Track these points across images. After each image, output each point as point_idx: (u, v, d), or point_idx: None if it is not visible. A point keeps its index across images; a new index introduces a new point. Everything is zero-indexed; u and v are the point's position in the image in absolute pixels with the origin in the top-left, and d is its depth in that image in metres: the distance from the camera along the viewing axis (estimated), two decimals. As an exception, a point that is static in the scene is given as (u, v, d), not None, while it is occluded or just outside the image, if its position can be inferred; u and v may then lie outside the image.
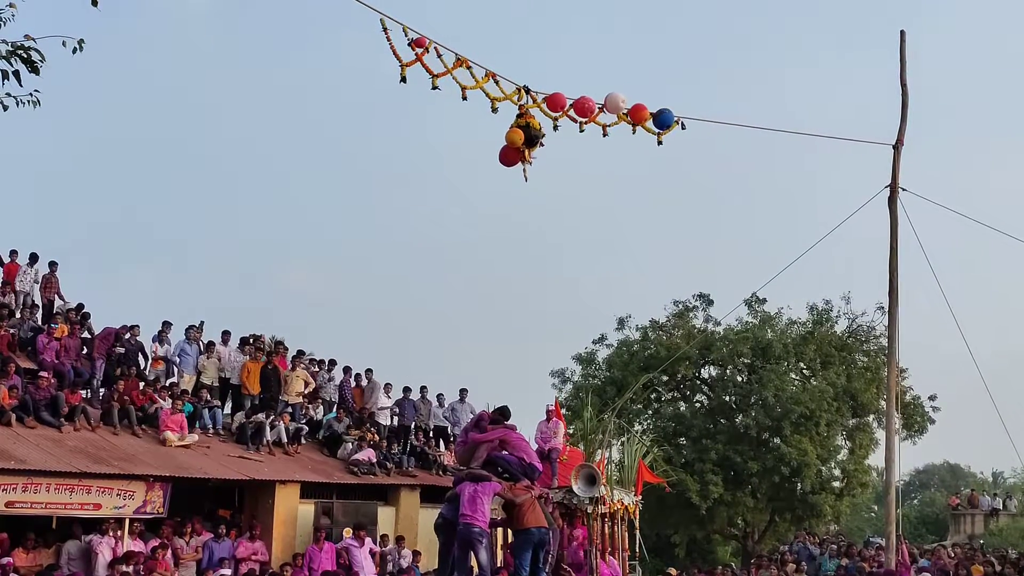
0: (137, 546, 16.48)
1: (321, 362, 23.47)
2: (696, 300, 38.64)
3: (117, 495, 16.56)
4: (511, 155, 13.15)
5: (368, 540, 18.88)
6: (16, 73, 7.92)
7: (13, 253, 21.77)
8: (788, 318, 38.07)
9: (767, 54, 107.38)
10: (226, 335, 21.88)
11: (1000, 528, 44.35)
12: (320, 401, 22.80)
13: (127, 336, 20.92)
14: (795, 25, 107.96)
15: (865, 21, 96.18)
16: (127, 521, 16.68)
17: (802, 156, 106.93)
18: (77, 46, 8.18)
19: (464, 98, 12.73)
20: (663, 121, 14.53)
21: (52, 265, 21.98)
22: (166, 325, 21.43)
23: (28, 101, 8.19)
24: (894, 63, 19.48)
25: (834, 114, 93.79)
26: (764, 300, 37.26)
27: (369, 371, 23.99)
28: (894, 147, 19.20)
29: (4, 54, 7.89)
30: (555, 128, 13.65)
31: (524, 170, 13.11)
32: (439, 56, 12.49)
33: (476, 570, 13.45)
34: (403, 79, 12.19)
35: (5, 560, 15.00)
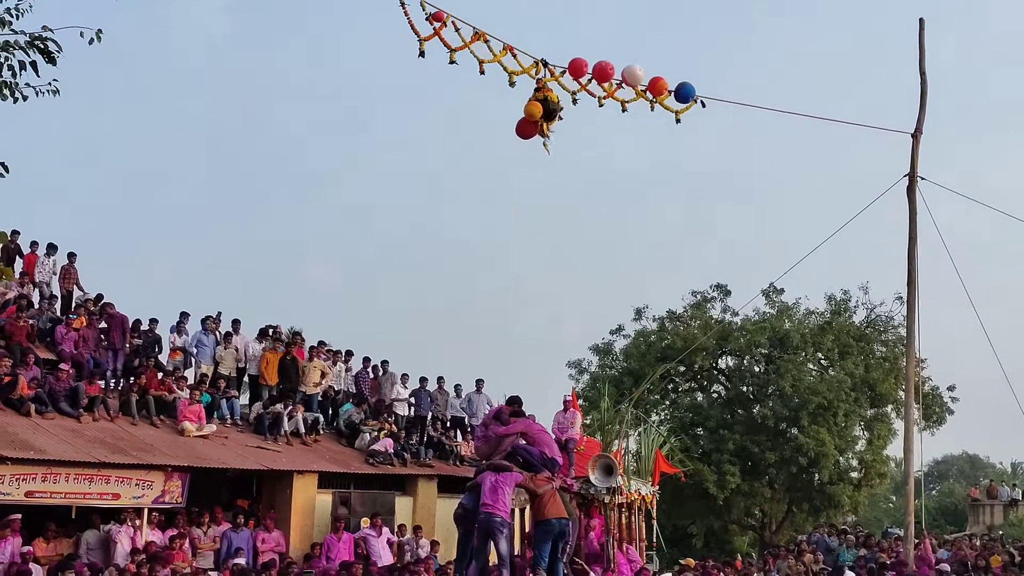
0: (156, 536, 16.55)
1: (338, 353, 23.49)
2: (714, 291, 38.60)
3: (136, 485, 16.61)
4: (527, 128, 13.12)
5: (385, 530, 18.91)
6: (34, 64, 7.96)
7: (33, 244, 21.85)
8: (806, 308, 38.03)
9: (786, 39, 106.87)
10: (236, 324, 21.90)
11: (1020, 519, 44.13)
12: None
13: (145, 328, 21.03)
14: (814, 10, 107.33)
15: (884, 7, 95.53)
16: (146, 511, 16.76)
17: (821, 144, 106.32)
18: (95, 37, 8.21)
19: (482, 72, 12.71)
20: (684, 94, 14.47)
21: (71, 256, 22.06)
22: (184, 316, 21.48)
23: (47, 91, 8.23)
24: (914, 51, 19.36)
25: (853, 102, 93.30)
26: (782, 291, 37.22)
27: (385, 362, 24.01)
28: (913, 135, 19.08)
29: (23, 45, 7.92)
30: (574, 102, 13.61)
31: (545, 144, 13.08)
32: (457, 30, 12.47)
33: (496, 560, 13.44)
34: (422, 53, 12.17)
35: (26, 549, 15.08)
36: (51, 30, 8.02)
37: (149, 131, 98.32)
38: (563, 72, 13.50)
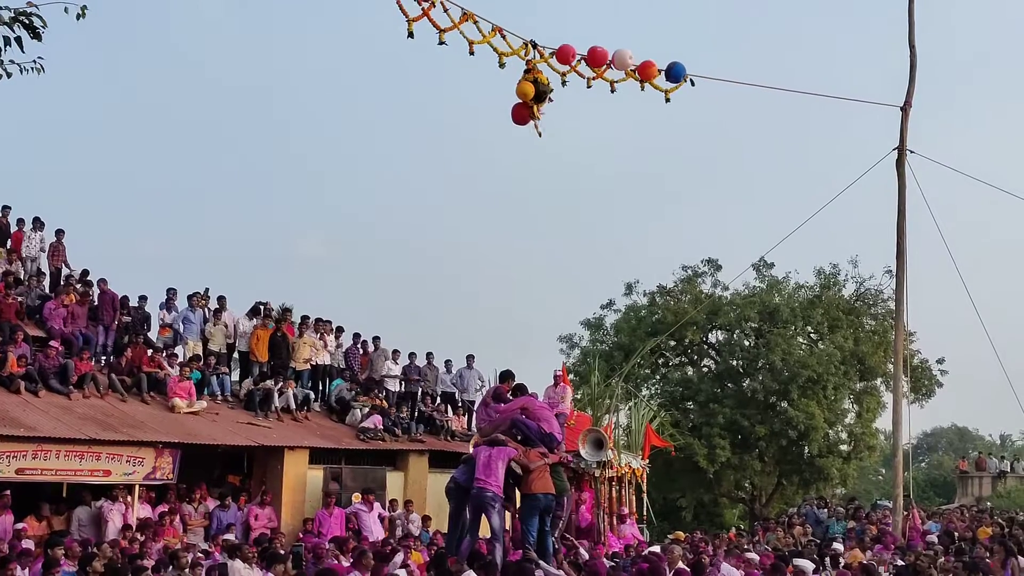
0: (147, 512, 16.58)
1: (327, 324, 23.43)
2: (704, 265, 38.62)
3: (127, 461, 16.61)
4: (523, 113, 13.11)
5: (377, 505, 18.95)
6: (18, 39, 7.89)
7: (20, 221, 21.70)
8: (796, 282, 38.08)
9: (777, 13, 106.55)
10: (222, 300, 21.85)
11: (1008, 490, 44.50)
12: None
13: (134, 305, 20.99)
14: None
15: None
16: (137, 487, 16.77)
17: (810, 118, 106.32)
18: (80, 12, 8.13)
19: (471, 53, 12.68)
20: (675, 73, 14.49)
21: (59, 233, 21.87)
22: (172, 292, 21.42)
23: (32, 68, 8.17)
24: (903, 24, 19.36)
25: (842, 76, 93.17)
26: (772, 264, 37.25)
27: (377, 338, 24.00)
28: (902, 109, 19.11)
29: (7, 20, 7.85)
30: (563, 84, 13.60)
31: (536, 126, 13.07)
32: (445, 11, 12.43)
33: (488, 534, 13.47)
34: (410, 34, 12.12)
35: (20, 525, 15.10)
36: (36, 5, 7.95)
37: (134, 109, 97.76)
38: (552, 54, 13.49)
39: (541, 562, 12.26)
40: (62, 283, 21.04)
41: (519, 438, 13.65)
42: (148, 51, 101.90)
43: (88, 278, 21.09)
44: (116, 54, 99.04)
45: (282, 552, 13.89)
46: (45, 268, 21.67)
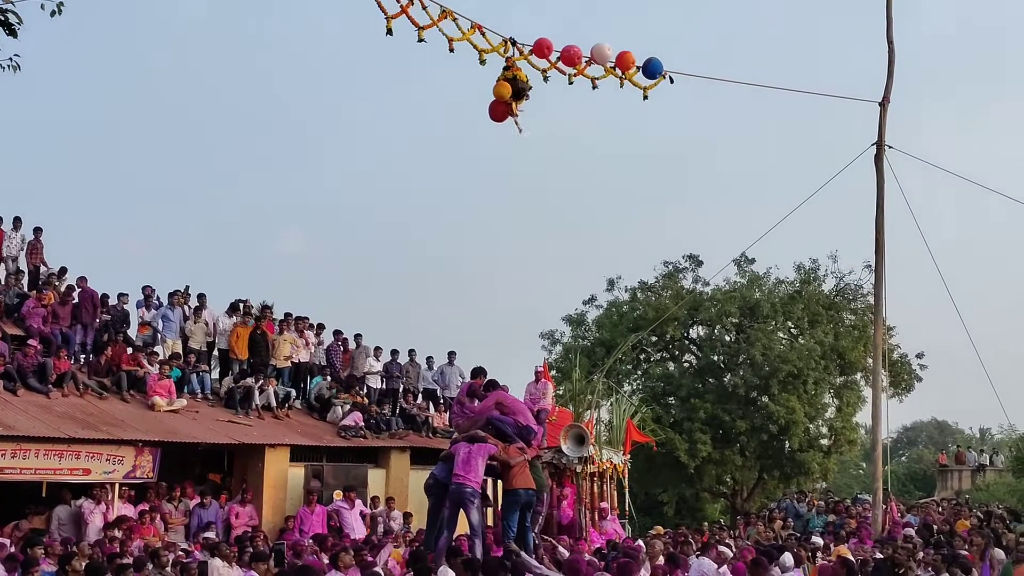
0: (127, 511, 16.51)
1: (309, 325, 23.39)
2: (686, 261, 38.72)
3: (106, 460, 16.55)
4: (499, 109, 13.12)
5: (358, 502, 18.93)
6: (-6, 36, 7.85)
7: (-1, 220, 21.56)
8: (776, 278, 38.21)
9: (754, 9, 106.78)
10: (202, 298, 21.78)
11: (987, 484, 44.79)
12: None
13: (113, 303, 20.89)
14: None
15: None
16: (117, 486, 16.71)
17: (789, 114, 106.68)
18: (56, 9, 8.10)
19: (451, 50, 12.67)
20: (652, 70, 14.52)
21: (36, 231, 21.71)
22: (151, 290, 21.32)
23: (7, 66, 8.13)
24: (881, 20, 19.42)
25: (821, 71, 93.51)
26: (753, 260, 37.38)
27: (358, 335, 23.96)
28: (880, 104, 19.16)
29: (-18, 18, 7.81)
30: (544, 80, 13.63)
31: (516, 123, 13.09)
32: (424, 8, 12.42)
33: (468, 530, 13.51)
34: (389, 31, 12.11)
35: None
36: (12, 2, 7.91)
37: (112, 106, 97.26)
38: (531, 51, 13.50)
39: (523, 554, 12.32)
40: (41, 282, 20.93)
41: (495, 433, 13.72)
42: (127, 47, 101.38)
43: (64, 276, 20.95)
44: (94, 50, 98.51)
45: (264, 551, 13.88)
46: (24, 267, 21.54)
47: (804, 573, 13.81)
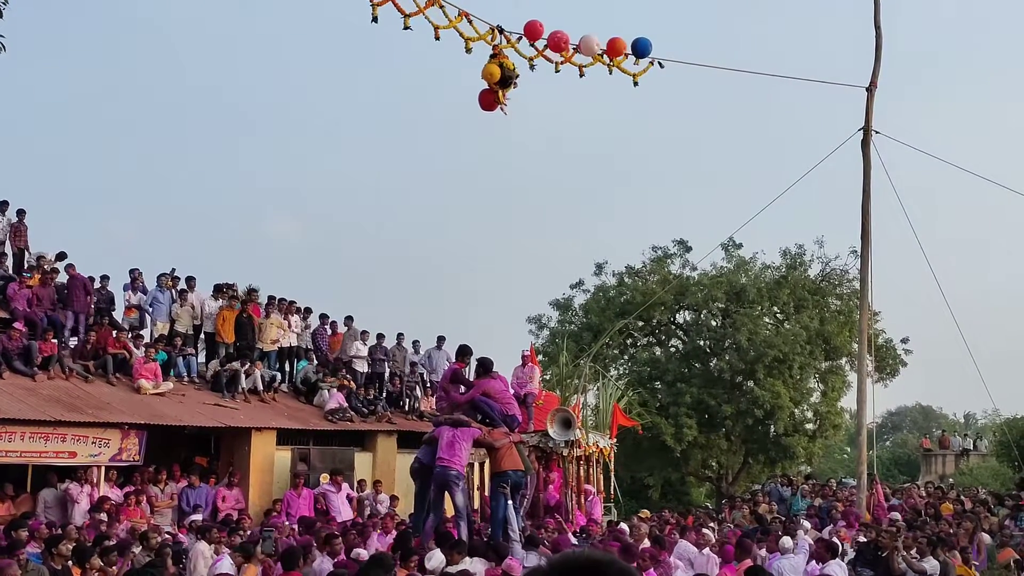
0: (114, 493, 16.48)
1: (297, 309, 23.35)
2: (674, 246, 38.72)
3: (92, 443, 16.53)
4: (489, 98, 13.11)
5: (345, 485, 18.95)
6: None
7: (-17, 203, 21.39)
8: (762, 263, 38.24)
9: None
10: (191, 281, 21.70)
11: (971, 468, 45.06)
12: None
13: (98, 286, 20.78)
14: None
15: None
16: (103, 469, 16.68)
17: (777, 99, 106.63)
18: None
19: (437, 38, 12.63)
20: (641, 48, 14.49)
21: (20, 213, 21.52)
22: (137, 273, 21.23)
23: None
24: (869, 4, 19.45)
25: (809, 56, 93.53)
26: (740, 245, 37.41)
27: (349, 318, 23.92)
28: (867, 89, 19.22)
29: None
30: (531, 68, 13.61)
31: (503, 111, 13.08)
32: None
33: (452, 512, 13.56)
34: (375, 19, 12.08)
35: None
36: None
37: (99, 90, 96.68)
38: (519, 38, 13.47)
39: (512, 535, 12.40)
40: (25, 265, 20.81)
41: (480, 418, 13.77)
42: (114, 31, 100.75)
43: (46, 258, 20.80)
44: (80, 33, 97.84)
45: (252, 533, 13.88)
46: (8, 250, 21.40)
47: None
